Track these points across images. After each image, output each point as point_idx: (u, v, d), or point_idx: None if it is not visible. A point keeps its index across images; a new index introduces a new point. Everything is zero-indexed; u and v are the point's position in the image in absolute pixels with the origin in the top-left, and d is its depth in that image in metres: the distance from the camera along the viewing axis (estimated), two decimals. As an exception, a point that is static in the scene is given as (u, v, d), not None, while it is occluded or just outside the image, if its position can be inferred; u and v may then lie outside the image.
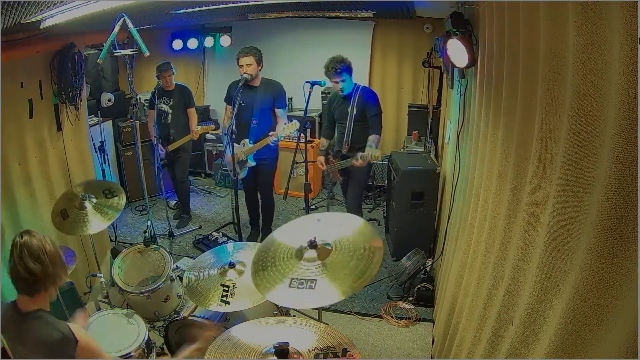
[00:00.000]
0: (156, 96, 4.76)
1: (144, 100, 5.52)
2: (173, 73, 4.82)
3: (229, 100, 4.23)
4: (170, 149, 4.89)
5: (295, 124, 3.93)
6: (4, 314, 1.69)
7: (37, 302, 1.71)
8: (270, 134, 4.07)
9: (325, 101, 4.75)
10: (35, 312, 1.69)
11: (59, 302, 2.66)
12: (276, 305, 2.69)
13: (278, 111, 4.24)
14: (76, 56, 3.47)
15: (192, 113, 5.00)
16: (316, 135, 5.72)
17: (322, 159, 4.27)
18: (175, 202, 5.63)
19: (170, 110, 4.88)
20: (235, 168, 3.99)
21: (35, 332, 1.68)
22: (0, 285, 2.45)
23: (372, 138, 3.93)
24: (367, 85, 5.78)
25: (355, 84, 4.06)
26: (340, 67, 3.85)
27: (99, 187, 3.15)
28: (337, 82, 3.92)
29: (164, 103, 4.86)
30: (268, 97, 4.17)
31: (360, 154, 3.79)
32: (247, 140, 4.18)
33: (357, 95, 3.98)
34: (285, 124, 4.08)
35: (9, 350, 1.67)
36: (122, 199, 3.07)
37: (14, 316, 1.69)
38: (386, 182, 5.16)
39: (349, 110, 3.99)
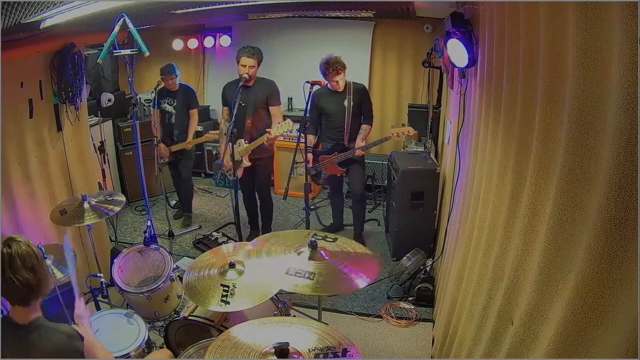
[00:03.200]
0: (159, 96, 4.76)
1: (144, 100, 5.53)
2: (176, 76, 4.82)
3: (225, 102, 4.24)
4: (172, 149, 4.90)
5: (289, 123, 3.90)
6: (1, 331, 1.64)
7: (32, 311, 1.67)
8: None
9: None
10: (34, 322, 1.66)
11: (59, 302, 2.66)
12: (276, 305, 2.69)
13: (272, 109, 4.22)
14: (76, 56, 3.47)
15: (194, 115, 4.98)
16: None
17: (310, 156, 4.36)
18: (175, 202, 5.63)
19: (174, 111, 4.87)
20: (234, 168, 3.99)
21: (41, 342, 1.64)
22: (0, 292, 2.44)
23: (365, 127, 4.32)
24: (366, 84, 5.79)
25: (346, 80, 4.25)
26: (340, 67, 4.04)
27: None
28: (337, 82, 4.11)
29: (167, 103, 4.86)
30: (261, 95, 4.16)
31: (359, 146, 4.21)
32: (242, 140, 4.17)
33: (351, 89, 4.22)
34: (279, 123, 4.08)
35: None
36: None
37: (13, 332, 1.64)
38: (386, 182, 5.16)
39: (345, 104, 4.21)
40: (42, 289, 1.66)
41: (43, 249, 1.79)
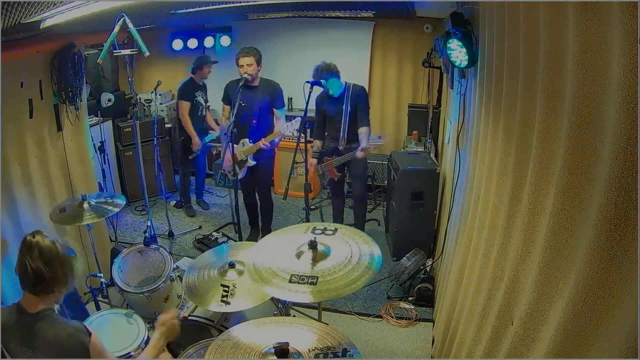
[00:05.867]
0: (192, 89, 5.03)
1: (144, 100, 5.53)
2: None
3: (227, 100, 4.25)
4: (206, 140, 5.24)
5: (299, 121, 3.96)
6: (8, 317, 1.67)
7: (43, 302, 1.69)
8: (262, 139, 4.12)
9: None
10: (43, 312, 1.68)
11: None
12: (276, 305, 2.69)
13: (277, 111, 4.27)
14: (76, 56, 3.47)
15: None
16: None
17: (314, 161, 4.39)
18: (175, 202, 5.64)
19: (204, 104, 5.19)
20: (235, 168, 3.99)
21: (47, 332, 1.66)
22: (0, 288, 2.45)
23: (363, 130, 4.21)
24: (366, 84, 5.80)
25: (345, 82, 4.21)
26: (324, 76, 3.99)
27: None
28: (327, 89, 4.12)
29: (200, 96, 5.13)
30: (267, 97, 4.19)
31: (362, 147, 4.08)
32: (247, 140, 4.18)
33: (350, 92, 4.19)
34: (284, 123, 4.11)
35: (10, 353, 1.65)
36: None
37: (20, 318, 1.67)
38: (386, 182, 5.16)
39: (343, 107, 4.18)
40: (55, 286, 1.68)
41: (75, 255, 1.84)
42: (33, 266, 1.62)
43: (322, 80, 3.96)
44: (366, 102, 4.32)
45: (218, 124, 5.28)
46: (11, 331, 1.66)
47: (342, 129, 4.23)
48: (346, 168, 4.47)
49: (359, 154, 4.12)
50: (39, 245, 1.64)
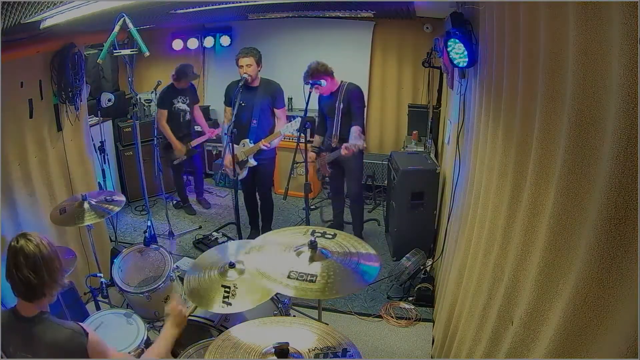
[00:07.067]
0: (170, 96, 4.92)
1: (145, 100, 5.54)
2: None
3: (229, 102, 4.24)
4: (192, 144, 5.12)
5: (299, 121, 3.96)
6: (5, 322, 1.66)
7: (37, 306, 1.68)
8: (262, 140, 4.12)
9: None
10: (39, 316, 1.67)
11: (59, 302, 2.66)
12: (276, 305, 2.69)
13: (277, 112, 4.27)
14: (76, 56, 3.47)
15: (198, 109, 5.26)
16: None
17: (312, 155, 4.43)
18: (175, 201, 5.64)
19: (188, 108, 5.09)
20: (235, 168, 3.99)
21: (43, 336, 1.65)
22: (0, 289, 2.44)
23: (354, 129, 4.15)
24: (366, 84, 5.80)
25: (341, 81, 4.21)
26: (313, 78, 3.99)
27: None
28: (317, 88, 4.09)
29: (181, 102, 5.02)
30: (267, 97, 4.19)
31: (345, 144, 3.99)
32: (247, 140, 4.19)
33: (343, 91, 4.19)
34: (285, 123, 4.11)
35: (8, 356, 1.65)
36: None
37: (16, 324, 1.66)
38: (386, 182, 5.17)
39: (336, 105, 4.20)
40: (45, 290, 1.66)
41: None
42: (20, 275, 1.59)
43: (322, 81, 3.96)
44: (360, 101, 4.23)
45: (219, 125, 5.28)
46: (8, 335, 1.64)
47: (334, 126, 4.25)
48: (332, 169, 4.49)
49: (343, 151, 4.01)
50: (23, 251, 1.60)
